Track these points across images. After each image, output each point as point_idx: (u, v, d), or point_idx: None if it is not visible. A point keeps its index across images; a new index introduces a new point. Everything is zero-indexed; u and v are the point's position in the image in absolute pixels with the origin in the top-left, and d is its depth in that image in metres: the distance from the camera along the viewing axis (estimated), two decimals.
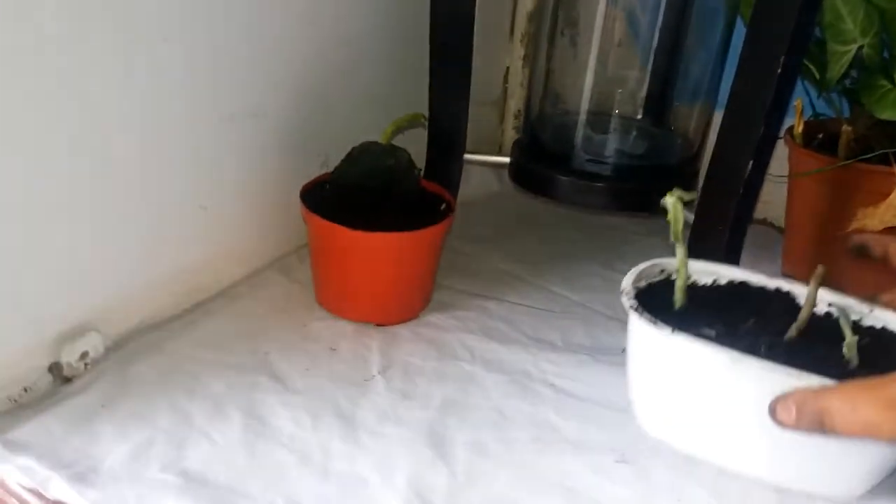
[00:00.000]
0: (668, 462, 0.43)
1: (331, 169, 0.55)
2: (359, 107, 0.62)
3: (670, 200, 0.40)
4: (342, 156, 0.55)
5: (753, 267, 0.63)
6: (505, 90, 0.84)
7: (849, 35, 0.52)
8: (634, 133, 0.63)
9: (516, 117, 0.84)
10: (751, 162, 0.47)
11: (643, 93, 0.65)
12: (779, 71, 0.45)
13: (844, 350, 0.40)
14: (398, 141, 0.56)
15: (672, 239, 0.41)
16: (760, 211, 0.71)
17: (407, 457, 0.42)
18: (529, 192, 0.60)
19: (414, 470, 0.41)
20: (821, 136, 0.60)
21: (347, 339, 0.52)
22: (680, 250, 0.43)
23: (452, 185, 0.62)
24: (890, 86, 0.49)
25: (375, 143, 0.53)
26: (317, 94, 0.59)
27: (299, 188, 0.55)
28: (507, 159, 0.62)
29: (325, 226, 0.51)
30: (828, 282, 0.44)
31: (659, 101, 0.65)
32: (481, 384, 0.49)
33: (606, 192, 0.57)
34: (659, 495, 0.41)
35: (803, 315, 0.41)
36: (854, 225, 0.53)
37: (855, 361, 0.40)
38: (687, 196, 0.40)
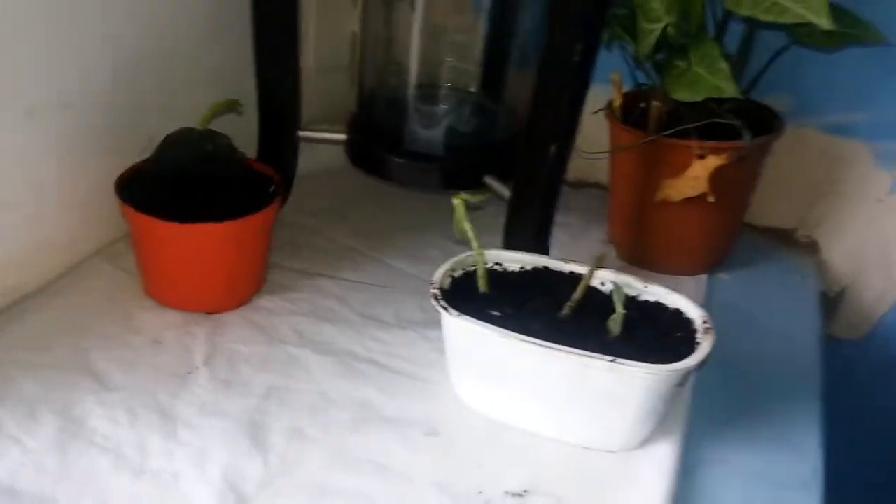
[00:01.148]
0: (475, 432, 0.46)
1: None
2: (183, 90, 0.61)
3: (455, 202, 0.42)
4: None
5: (582, 231, 0.68)
6: (354, 55, 0.83)
7: (655, 13, 0.54)
8: (467, 108, 0.64)
9: None
10: (554, 146, 0.49)
11: (478, 64, 0.67)
12: (576, 59, 0.47)
13: (609, 323, 0.43)
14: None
15: (457, 236, 0.43)
16: (591, 174, 0.75)
17: (224, 448, 0.43)
18: (363, 171, 0.61)
19: (229, 461, 0.43)
20: (643, 104, 0.63)
21: (173, 329, 0.52)
22: (473, 242, 0.45)
23: (287, 163, 0.62)
24: (686, 66, 0.52)
25: (192, 129, 0.52)
26: (135, 78, 0.57)
27: (120, 168, 0.53)
28: (343, 136, 0.63)
29: (141, 218, 0.50)
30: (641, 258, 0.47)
31: (493, 73, 0.66)
32: (306, 367, 0.50)
33: (437, 173, 0.59)
34: (463, 463, 0.44)
35: (576, 295, 0.45)
36: (659, 195, 0.57)
37: (616, 332, 0.43)
38: (472, 198, 0.42)
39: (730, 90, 0.49)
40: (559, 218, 0.69)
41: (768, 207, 0.70)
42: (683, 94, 0.52)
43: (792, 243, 0.70)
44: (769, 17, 0.47)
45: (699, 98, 0.51)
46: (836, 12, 0.53)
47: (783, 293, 0.64)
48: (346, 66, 0.82)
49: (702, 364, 0.42)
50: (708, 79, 0.50)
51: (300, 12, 0.60)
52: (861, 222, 0.68)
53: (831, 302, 0.71)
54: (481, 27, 0.65)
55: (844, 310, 0.71)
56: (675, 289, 0.60)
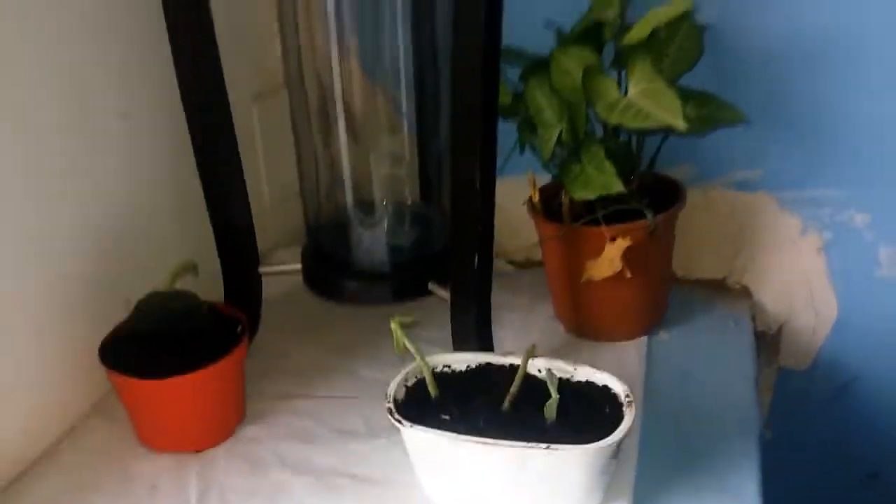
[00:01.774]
0: None
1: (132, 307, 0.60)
2: (152, 255, 0.68)
3: (392, 326, 0.48)
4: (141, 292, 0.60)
5: (530, 310, 0.74)
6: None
7: (549, 121, 0.61)
8: (407, 221, 0.71)
9: None
10: (477, 256, 0.56)
11: (415, 177, 0.74)
12: (477, 185, 0.54)
13: (545, 410, 0.49)
14: None
15: (398, 353, 0.49)
16: (535, 253, 0.81)
17: None
18: (320, 296, 0.67)
19: None
20: (563, 192, 0.69)
21: (167, 472, 0.57)
22: (416, 355, 0.51)
23: (252, 299, 0.69)
24: (579, 168, 0.59)
25: (159, 292, 0.59)
26: (106, 248, 0.64)
27: (103, 331, 0.59)
28: (299, 266, 0.69)
29: (126, 380, 0.56)
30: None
31: (427, 184, 0.73)
32: (290, 491, 0.55)
33: (386, 289, 0.65)
34: None
35: (513, 389, 0.51)
36: (585, 276, 0.63)
37: (552, 417, 0.49)
38: (406, 318, 0.48)
39: (616, 187, 0.56)
40: (511, 300, 0.76)
41: (698, 261, 0.77)
42: (580, 193, 0.58)
43: (726, 291, 0.77)
44: (636, 124, 0.54)
45: (593, 196, 0.58)
46: (704, 98, 0.61)
47: (719, 343, 0.69)
48: (296, 193, 0.90)
49: (627, 435, 0.47)
50: (597, 178, 0.57)
51: (239, 154, 0.66)
52: (782, 264, 0.74)
53: (773, 339, 0.77)
54: (410, 139, 0.72)
55: (786, 345, 0.77)
56: (618, 355, 0.67)
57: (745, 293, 0.76)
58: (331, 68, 0.67)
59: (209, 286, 0.69)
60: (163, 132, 0.69)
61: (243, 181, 0.67)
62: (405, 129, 0.71)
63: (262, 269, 0.69)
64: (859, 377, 0.76)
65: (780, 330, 0.77)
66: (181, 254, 0.69)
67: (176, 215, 0.72)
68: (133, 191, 0.67)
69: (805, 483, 0.81)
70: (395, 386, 0.53)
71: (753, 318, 0.75)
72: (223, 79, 0.64)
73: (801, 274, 0.74)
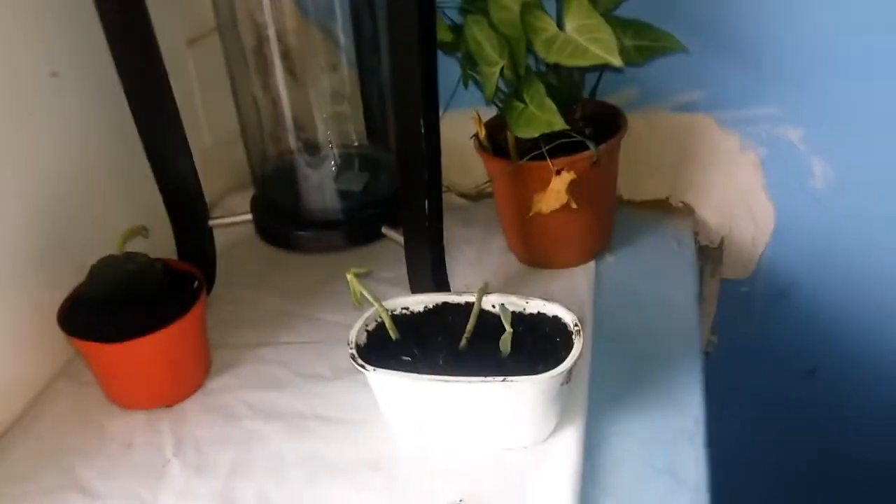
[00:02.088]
0: (411, 459, 0.54)
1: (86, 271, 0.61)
2: (101, 219, 0.67)
3: (348, 277, 0.49)
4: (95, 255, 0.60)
5: (484, 243, 0.76)
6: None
7: (491, 58, 0.61)
8: (356, 165, 0.71)
9: None
10: (427, 200, 0.57)
11: (360, 118, 0.73)
12: (421, 128, 0.54)
13: (500, 344, 0.51)
14: None
15: (356, 303, 0.51)
16: (488, 186, 0.82)
17: None
18: (273, 245, 0.68)
19: None
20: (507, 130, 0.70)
21: (141, 430, 0.59)
22: (374, 302, 0.53)
23: (205, 252, 0.69)
24: (522, 106, 0.60)
25: (112, 255, 0.59)
26: (52, 214, 0.64)
27: (59, 296, 0.60)
28: (249, 216, 0.69)
29: (87, 345, 0.57)
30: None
31: (376, 123, 0.73)
32: (262, 437, 0.57)
33: (339, 236, 0.66)
34: (406, 489, 0.52)
35: (469, 326, 0.53)
36: (533, 209, 0.65)
37: (507, 350, 0.51)
38: (362, 270, 0.50)
39: (558, 124, 0.57)
40: (465, 233, 0.78)
41: (642, 184, 0.79)
42: (523, 132, 0.59)
43: (669, 210, 0.79)
44: (573, 62, 0.55)
45: (536, 134, 0.58)
46: (642, 28, 0.61)
47: (663, 260, 0.72)
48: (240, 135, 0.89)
49: (576, 362, 0.50)
50: (540, 116, 0.58)
51: (176, 104, 0.64)
52: (722, 180, 0.77)
53: (716, 252, 0.81)
54: (351, 78, 0.72)
55: (729, 256, 0.81)
56: (568, 280, 0.70)
57: (688, 211, 0.79)
58: (263, 6, 0.66)
59: (162, 243, 0.69)
60: (97, 88, 0.67)
61: (184, 133, 0.66)
62: (345, 65, 0.71)
63: (212, 223, 0.69)
64: (796, 281, 0.80)
65: (721, 243, 0.80)
66: (129, 213, 0.69)
67: (120, 174, 0.71)
68: (72, 152, 0.66)
69: (750, 381, 0.87)
70: (356, 332, 0.55)
71: (696, 234, 0.78)
72: (152, 26, 0.62)
73: (741, 189, 0.77)
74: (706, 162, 0.76)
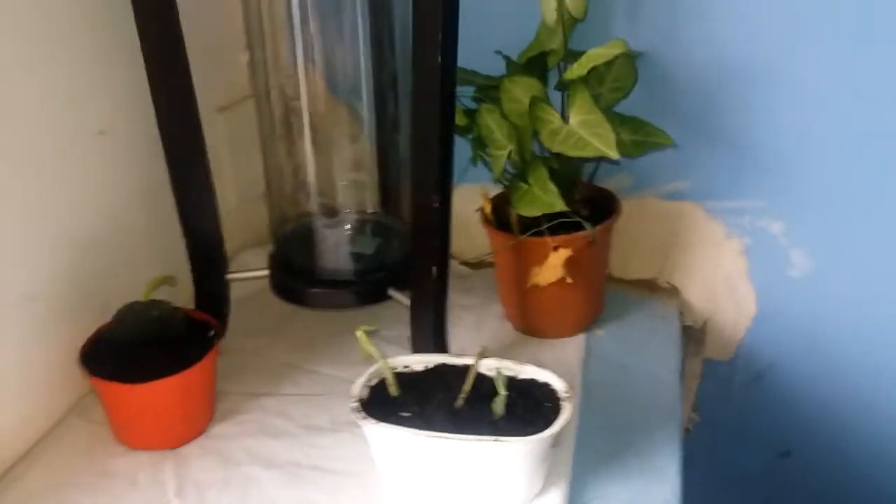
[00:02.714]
0: None
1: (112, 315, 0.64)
2: (128, 267, 0.72)
3: (357, 334, 0.53)
4: (119, 305, 0.64)
5: (483, 309, 0.80)
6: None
7: (500, 143, 0.67)
8: (368, 230, 0.76)
9: None
10: (434, 269, 0.61)
11: (376, 188, 0.79)
12: (436, 205, 0.59)
13: (493, 406, 0.55)
14: None
15: (364, 358, 0.55)
16: (490, 256, 0.87)
17: None
18: (286, 301, 0.72)
19: None
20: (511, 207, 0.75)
21: (145, 469, 0.62)
22: (379, 359, 0.57)
23: (221, 304, 0.73)
24: (527, 187, 0.65)
25: (138, 302, 0.63)
26: (86, 262, 0.68)
27: (81, 335, 0.63)
28: (266, 272, 0.74)
29: (106, 384, 0.60)
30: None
31: (389, 193, 0.78)
32: (260, 483, 0.60)
33: (348, 294, 0.70)
34: None
35: (465, 387, 0.57)
36: (531, 281, 0.69)
37: (501, 412, 0.55)
38: (371, 328, 0.54)
39: (558, 206, 0.63)
40: (464, 300, 0.82)
41: (632, 263, 0.84)
42: (526, 211, 0.64)
43: (656, 290, 0.84)
44: (575, 153, 0.60)
45: (538, 214, 0.64)
46: (637, 125, 0.67)
47: (649, 337, 0.77)
48: (262, 195, 0.94)
49: (565, 427, 0.54)
50: (542, 198, 0.63)
51: (209, 166, 0.70)
52: (707, 265, 0.82)
53: (699, 333, 0.85)
54: (371, 151, 0.77)
55: (711, 337, 0.85)
56: (560, 350, 0.74)
57: (674, 292, 0.84)
58: (295, 82, 0.72)
59: (178, 291, 0.73)
60: (137, 148, 0.73)
61: (213, 193, 0.71)
62: (365, 139, 0.76)
63: (230, 276, 0.73)
64: (774, 365, 0.84)
65: (705, 324, 0.84)
66: (154, 262, 0.74)
67: (149, 227, 0.75)
68: (109, 204, 0.71)
69: (727, 459, 0.90)
70: (359, 386, 0.58)
71: (681, 314, 0.83)
72: (194, 91, 0.68)
73: (724, 274, 0.82)
74: (693, 247, 0.81)
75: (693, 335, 0.85)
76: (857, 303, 0.78)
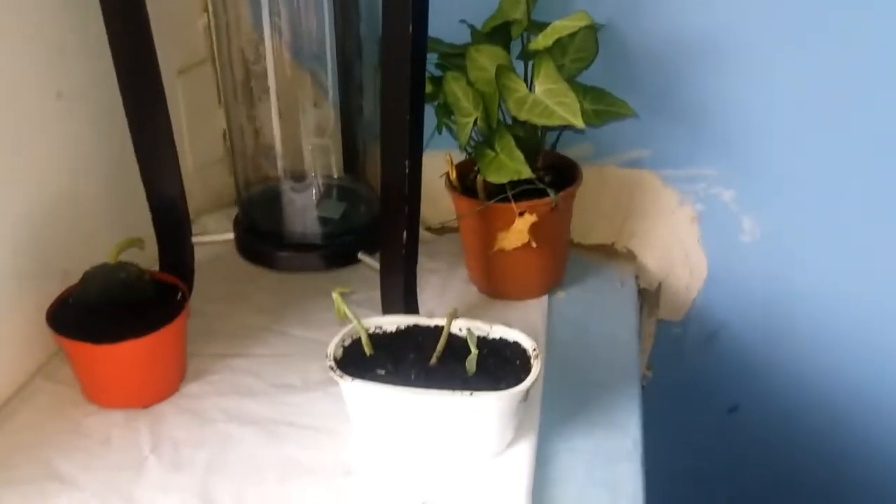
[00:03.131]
0: (381, 465, 0.59)
1: (72, 279, 0.64)
2: (90, 231, 0.71)
3: (334, 296, 0.55)
4: (80, 269, 0.64)
5: (448, 273, 0.82)
6: (227, 148, 0.94)
7: (465, 110, 0.68)
8: (334, 194, 0.77)
9: None
10: (405, 233, 0.63)
11: (340, 152, 0.79)
12: (406, 168, 0.61)
13: (466, 364, 0.57)
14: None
15: (339, 318, 0.57)
16: (452, 221, 0.88)
17: None
18: (253, 264, 0.72)
19: None
20: (476, 169, 0.77)
21: (119, 427, 0.62)
22: (354, 320, 0.58)
23: (187, 267, 0.73)
24: (494, 154, 0.67)
25: (105, 264, 0.63)
26: (46, 222, 0.67)
27: (43, 299, 0.63)
28: (231, 235, 0.74)
29: (76, 344, 0.60)
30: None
31: (354, 158, 0.79)
32: (236, 439, 0.61)
33: (317, 257, 0.71)
34: (376, 492, 0.57)
35: (439, 346, 0.59)
36: (496, 246, 0.71)
37: (473, 370, 0.57)
38: (346, 290, 0.55)
39: (525, 172, 0.64)
40: (430, 264, 0.84)
41: (591, 229, 0.87)
42: (493, 177, 0.66)
43: (614, 255, 0.87)
44: (541, 121, 0.62)
45: (505, 180, 0.66)
46: (599, 94, 0.70)
47: (608, 299, 0.80)
48: (220, 158, 0.94)
49: (533, 383, 0.57)
50: (509, 164, 0.65)
51: (171, 129, 0.69)
52: (663, 231, 0.85)
53: (654, 295, 0.89)
54: (336, 115, 0.78)
55: (664, 299, 0.89)
56: (524, 312, 0.76)
57: (631, 256, 0.87)
58: (258, 46, 0.72)
59: (142, 255, 0.73)
60: (96, 110, 0.72)
61: (176, 154, 0.71)
62: (329, 104, 0.77)
63: (195, 240, 0.73)
64: (725, 325, 0.89)
65: (659, 287, 0.88)
66: (118, 226, 0.73)
67: (111, 190, 0.75)
68: (70, 167, 0.70)
69: (678, 415, 0.95)
70: (333, 346, 0.60)
71: (637, 278, 0.86)
72: (155, 52, 0.67)
73: (678, 239, 0.85)
74: (649, 213, 0.85)
75: (648, 297, 0.88)
76: (803, 266, 0.83)
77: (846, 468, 0.93)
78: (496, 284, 0.78)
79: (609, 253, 0.87)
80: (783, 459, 0.94)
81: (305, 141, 0.76)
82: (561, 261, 0.80)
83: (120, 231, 0.69)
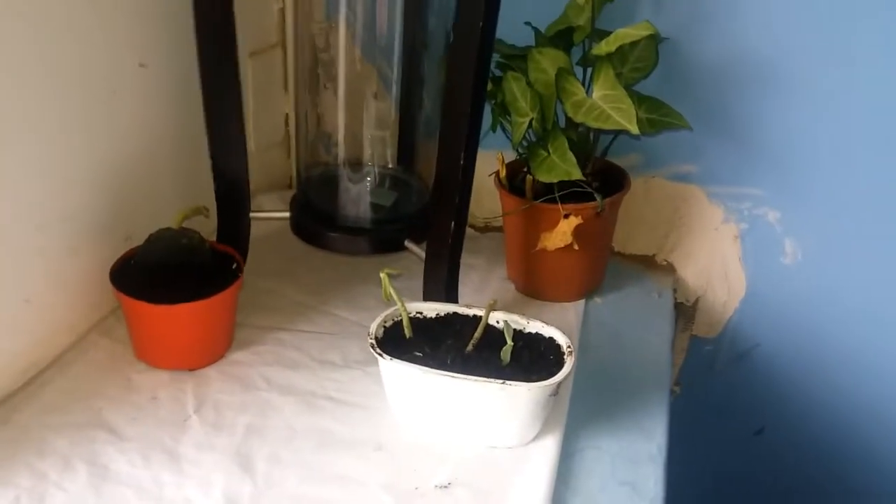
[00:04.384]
0: (410, 444, 0.61)
1: (134, 243, 0.68)
2: (156, 195, 0.74)
3: (381, 276, 0.57)
4: (142, 234, 0.67)
5: (488, 270, 0.84)
6: (287, 132, 0.97)
7: (522, 110, 0.71)
8: (387, 183, 0.79)
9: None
10: (453, 224, 0.65)
11: (396, 144, 0.82)
12: (462, 163, 0.63)
13: (501, 354, 0.59)
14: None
15: (385, 300, 0.59)
16: (496, 219, 0.91)
17: (221, 476, 0.57)
18: (307, 242, 0.75)
19: (226, 485, 0.57)
20: (526, 170, 0.79)
21: (166, 386, 0.66)
22: (398, 302, 0.61)
23: (243, 240, 0.76)
24: (546, 154, 0.69)
25: (169, 228, 0.66)
26: (117, 186, 0.71)
27: (106, 259, 0.66)
28: (287, 214, 0.77)
29: (136, 303, 0.64)
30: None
31: (409, 150, 0.81)
32: (277, 407, 0.64)
33: (365, 241, 0.74)
34: (403, 468, 0.59)
35: (477, 334, 0.61)
36: (539, 245, 0.73)
37: (507, 360, 0.59)
38: (393, 271, 0.58)
39: (576, 174, 0.66)
40: (470, 260, 0.86)
41: (633, 239, 0.88)
42: (544, 177, 0.68)
43: (654, 266, 0.88)
44: (597, 124, 0.64)
45: (555, 180, 0.67)
46: (655, 104, 0.71)
47: (644, 309, 0.81)
48: (280, 142, 0.97)
49: (566, 378, 0.58)
50: (560, 165, 0.67)
51: (241, 107, 0.73)
52: (704, 247, 0.86)
53: (690, 310, 0.90)
54: (395, 108, 0.80)
55: (700, 315, 0.90)
56: (559, 314, 0.78)
57: (670, 269, 0.88)
58: (328, 36, 0.75)
59: (202, 226, 0.76)
60: (174, 82, 0.76)
61: (243, 132, 0.74)
62: (391, 98, 0.79)
63: (253, 215, 0.76)
64: (758, 346, 0.89)
65: (696, 302, 0.89)
66: (181, 195, 0.77)
67: (179, 161, 0.78)
68: (144, 135, 0.74)
69: (703, 434, 0.95)
70: (375, 326, 0.62)
71: (675, 291, 0.87)
72: (235, 31, 0.70)
73: (719, 256, 0.86)
74: (692, 228, 0.86)
75: (683, 311, 0.89)
76: (842, 292, 0.83)
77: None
78: (535, 284, 0.79)
79: (649, 264, 0.88)
80: (808, 487, 0.94)
81: (365, 131, 0.79)
82: (601, 266, 0.81)
83: (184, 201, 0.73)
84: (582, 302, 0.80)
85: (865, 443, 0.90)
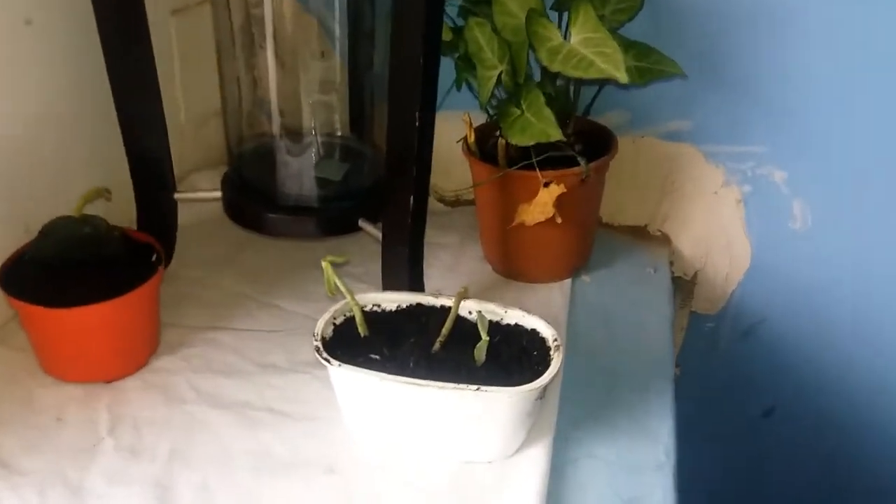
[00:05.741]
0: (369, 464, 0.51)
1: (33, 236, 0.56)
2: (55, 180, 0.63)
3: (323, 264, 0.46)
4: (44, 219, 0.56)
5: (460, 250, 0.74)
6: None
7: (490, 62, 0.60)
8: (336, 154, 0.68)
9: None
10: (412, 199, 0.54)
11: (345, 109, 0.71)
12: (418, 123, 0.52)
13: (475, 353, 0.49)
14: None
15: (329, 293, 0.48)
16: (466, 192, 0.80)
17: None
18: (242, 226, 0.64)
19: None
20: (498, 133, 0.68)
21: (75, 403, 0.55)
22: (347, 295, 0.50)
23: (168, 225, 0.65)
24: (519, 112, 0.58)
25: (67, 217, 0.55)
26: (7, 167, 0.59)
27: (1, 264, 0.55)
28: (219, 194, 0.66)
29: (30, 307, 0.53)
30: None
31: (360, 117, 0.70)
32: (207, 424, 0.54)
33: (312, 222, 0.63)
34: (361, 495, 0.49)
35: (445, 329, 0.51)
36: (516, 220, 0.63)
37: (482, 360, 0.49)
38: (339, 259, 0.47)
39: (555, 134, 0.56)
40: (440, 239, 0.76)
41: (623, 208, 0.78)
42: (517, 139, 0.58)
43: (646, 238, 0.78)
44: (577, 73, 0.53)
45: (531, 143, 0.57)
46: (644, 50, 0.61)
47: (638, 287, 0.71)
48: (217, 112, 0.86)
49: (552, 379, 0.48)
50: (536, 125, 0.56)
51: (156, 71, 0.62)
52: (702, 213, 0.76)
53: (688, 284, 0.80)
54: (342, 68, 0.69)
55: (700, 290, 0.80)
56: (543, 296, 0.68)
57: (665, 240, 0.78)
58: None
59: (121, 211, 0.65)
60: (69, 40, 0.63)
61: (160, 101, 0.63)
62: (336, 56, 0.68)
63: (178, 196, 0.65)
64: (764, 321, 0.80)
65: (695, 276, 0.79)
66: (89, 177, 0.65)
67: (83, 134, 0.66)
68: (36, 104, 0.62)
69: (709, 416, 0.86)
70: (322, 324, 0.52)
71: (671, 264, 0.78)
72: None
73: (720, 223, 0.76)
74: (689, 193, 0.76)
75: (682, 287, 0.80)
76: (856, 260, 0.74)
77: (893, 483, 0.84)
78: (514, 264, 0.69)
79: (641, 235, 0.78)
80: (822, 470, 0.85)
81: (306, 95, 0.68)
82: (588, 241, 0.71)
83: (95, 182, 0.61)
84: (568, 281, 0.69)
85: (885, 420, 0.81)
